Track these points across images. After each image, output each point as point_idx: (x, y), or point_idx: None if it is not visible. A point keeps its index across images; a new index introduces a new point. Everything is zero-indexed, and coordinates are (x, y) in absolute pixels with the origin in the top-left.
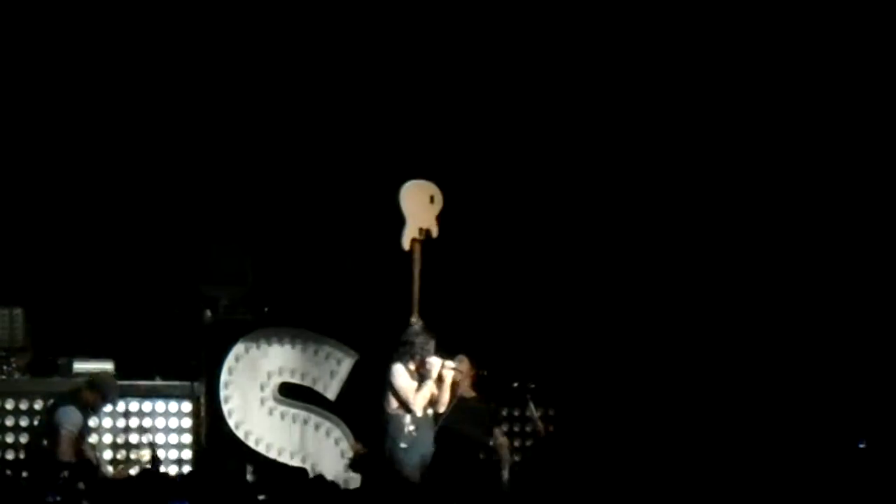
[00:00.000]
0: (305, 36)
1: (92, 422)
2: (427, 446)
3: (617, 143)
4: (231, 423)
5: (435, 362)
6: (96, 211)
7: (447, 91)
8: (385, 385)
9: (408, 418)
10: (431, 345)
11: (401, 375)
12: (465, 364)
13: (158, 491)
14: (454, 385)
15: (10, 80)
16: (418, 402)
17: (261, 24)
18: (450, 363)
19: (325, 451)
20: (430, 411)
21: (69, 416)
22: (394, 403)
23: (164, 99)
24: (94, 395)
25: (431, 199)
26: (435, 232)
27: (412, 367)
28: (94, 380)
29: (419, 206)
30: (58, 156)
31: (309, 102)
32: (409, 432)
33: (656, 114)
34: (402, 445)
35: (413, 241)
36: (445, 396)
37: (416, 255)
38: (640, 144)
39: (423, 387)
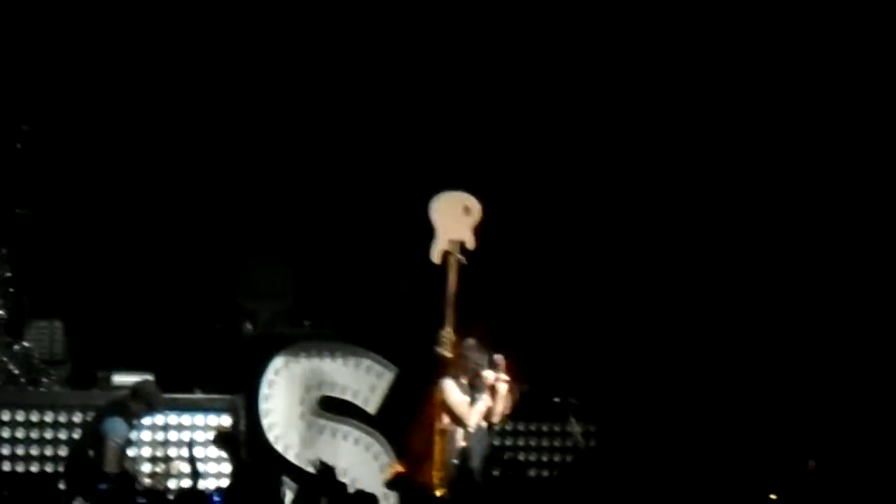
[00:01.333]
0: (346, 54)
1: (134, 434)
2: (478, 460)
3: (663, 164)
4: (270, 436)
5: (489, 375)
6: (138, 224)
7: (487, 106)
8: (436, 401)
9: (460, 433)
10: (485, 359)
11: (453, 390)
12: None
13: None
14: (508, 396)
15: (54, 95)
16: (473, 416)
17: (302, 46)
18: (504, 376)
19: (364, 465)
20: (483, 424)
21: (115, 428)
22: (445, 419)
23: (208, 114)
24: (139, 404)
25: (466, 211)
26: (470, 244)
27: (464, 381)
28: (137, 389)
29: (451, 217)
30: (99, 170)
31: (352, 118)
32: (461, 447)
33: (695, 136)
34: (455, 461)
35: (446, 253)
36: (500, 408)
37: (451, 268)
38: (685, 166)
39: (478, 401)
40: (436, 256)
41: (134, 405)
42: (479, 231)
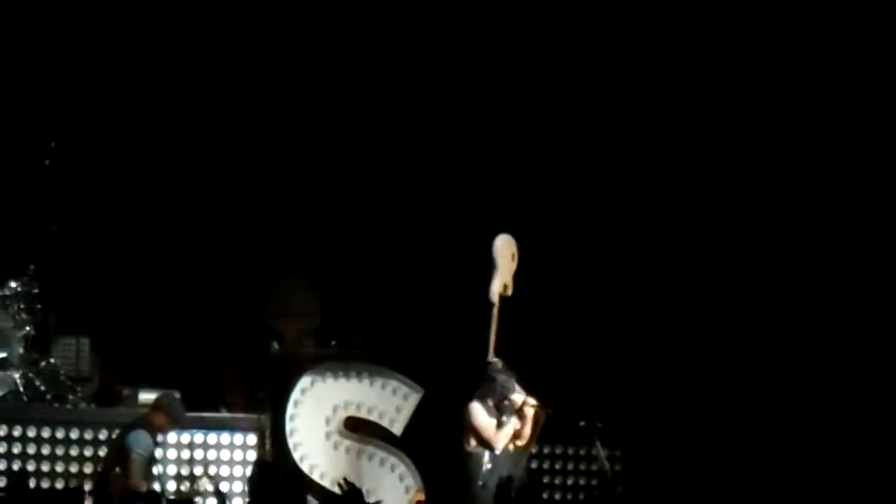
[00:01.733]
0: (376, 80)
1: (158, 451)
2: (504, 483)
3: (689, 192)
4: (296, 456)
5: (517, 398)
6: (167, 242)
7: (512, 127)
8: (463, 423)
9: (486, 456)
10: (513, 382)
11: (480, 413)
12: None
13: None
14: (536, 420)
15: (83, 113)
16: (500, 439)
17: (336, 76)
18: (531, 399)
19: (389, 486)
20: (510, 447)
21: (140, 441)
22: (473, 441)
23: (239, 135)
24: (162, 418)
25: (513, 257)
26: (511, 290)
27: (491, 403)
28: (159, 403)
29: (506, 260)
30: (128, 187)
31: (381, 142)
32: (487, 470)
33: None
34: (479, 483)
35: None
36: (527, 431)
37: (496, 310)
38: (713, 194)
39: (506, 424)
40: (495, 296)
41: (157, 419)
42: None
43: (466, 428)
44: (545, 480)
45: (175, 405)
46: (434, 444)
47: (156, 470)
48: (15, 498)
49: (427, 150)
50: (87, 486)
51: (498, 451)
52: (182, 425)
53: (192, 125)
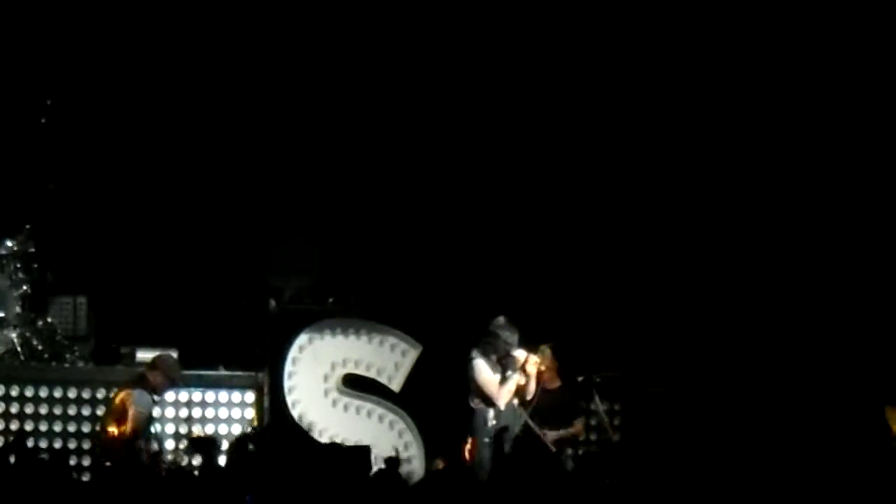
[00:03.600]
0: (368, 48)
1: (156, 409)
2: (510, 439)
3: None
4: (294, 413)
5: (520, 355)
6: (164, 201)
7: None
8: (467, 379)
9: (491, 412)
10: (516, 338)
11: (484, 369)
12: (547, 355)
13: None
14: (539, 376)
15: (80, 71)
16: (503, 395)
17: (327, 40)
18: (534, 357)
19: (388, 442)
20: (515, 402)
21: (138, 398)
22: (477, 397)
23: (236, 93)
24: (158, 376)
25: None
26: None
27: (494, 359)
28: (156, 361)
29: None
30: (125, 146)
31: (374, 103)
32: (492, 426)
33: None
34: (485, 440)
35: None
36: (532, 387)
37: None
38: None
39: (508, 380)
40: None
41: (154, 378)
42: None
43: (470, 384)
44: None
45: (172, 364)
46: (435, 400)
47: (154, 428)
48: (14, 457)
49: (419, 111)
50: (86, 445)
51: (502, 407)
52: (179, 384)
53: (190, 86)
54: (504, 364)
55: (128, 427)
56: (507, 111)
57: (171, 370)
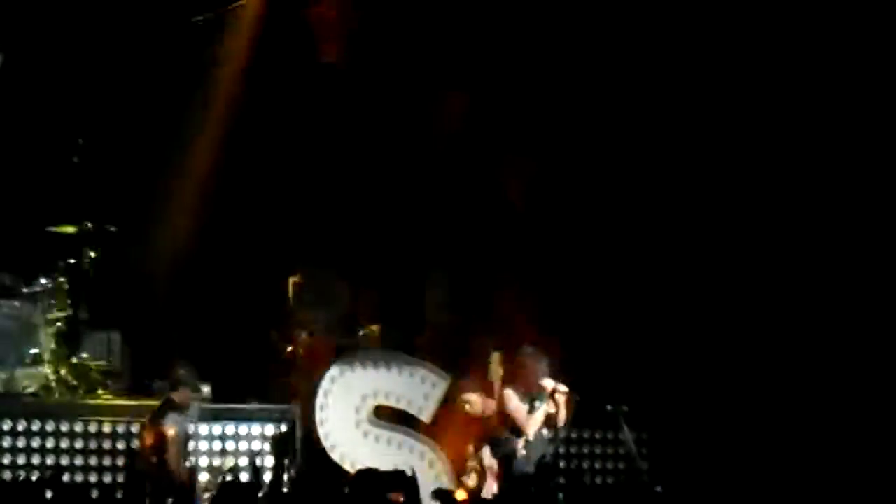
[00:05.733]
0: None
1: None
2: (535, 468)
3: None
4: (326, 445)
5: (548, 384)
6: (195, 236)
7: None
8: (496, 410)
9: (520, 442)
10: (543, 367)
11: (512, 399)
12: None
13: None
14: (568, 403)
15: (109, 107)
16: (531, 425)
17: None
18: (562, 387)
19: (420, 473)
20: (544, 432)
21: (172, 421)
22: (506, 428)
23: (267, 128)
24: (183, 392)
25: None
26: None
27: (522, 390)
28: (176, 379)
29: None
30: (156, 182)
31: (407, 142)
32: (522, 456)
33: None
34: (513, 468)
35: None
36: (563, 415)
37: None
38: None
39: (537, 410)
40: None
41: (179, 396)
42: None
43: (500, 414)
44: (574, 465)
45: (188, 376)
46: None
47: (190, 447)
48: (51, 492)
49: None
50: (120, 479)
51: (530, 437)
52: (202, 392)
53: (219, 120)
54: (532, 394)
55: (170, 453)
56: (537, 135)
57: (191, 381)
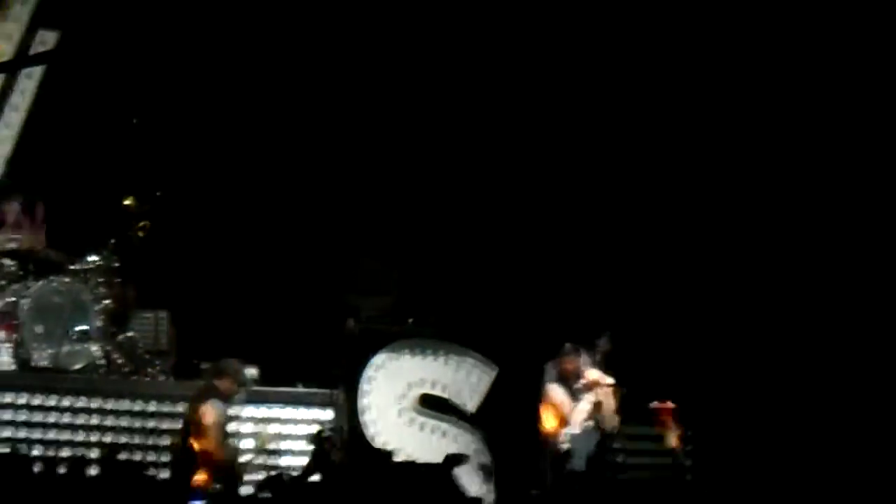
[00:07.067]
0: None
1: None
2: (582, 460)
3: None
4: (369, 432)
5: (592, 375)
6: (247, 217)
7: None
8: (540, 403)
9: (564, 435)
10: (585, 360)
11: (556, 392)
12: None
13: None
14: (615, 395)
15: (165, 87)
16: (576, 418)
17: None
18: (608, 378)
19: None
20: (590, 424)
21: (212, 408)
22: (550, 421)
23: (320, 112)
24: (227, 382)
25: None
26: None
27: (566, 384)
28: (219, 368)
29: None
30: (209, 162)
31: (455, 122)
32: (566, 450)
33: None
34: (557, 462)
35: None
36: (609, 405)
37: None
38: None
39: (582, 402)
40: None
41: (222, 385)
42: None
43: (545, 407)
44: (618, 460)
45: (234, 367)
46: (509, 423)
47: (230, 437)
48: (103, 470)
49: (504, 130)
50: (165, 459)
51: (575, 431)
52: (247, 387)
53: (274, 100)
54: (575, 388)
55: (210, 440)
56: (587, 138)
57: (238, 373)
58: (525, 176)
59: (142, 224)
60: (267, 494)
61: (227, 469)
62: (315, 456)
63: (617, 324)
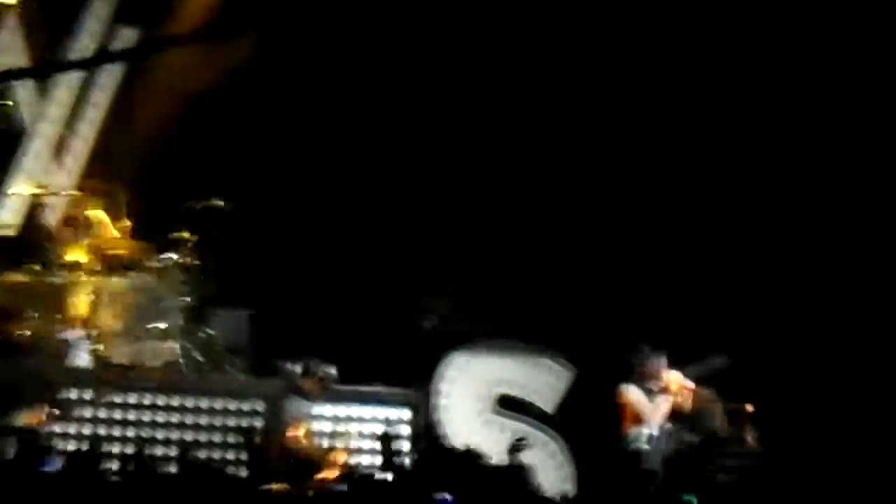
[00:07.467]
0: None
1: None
2: (659, 462)
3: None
4: (448, 432)
5: (668, 377)
6: (326, 217)
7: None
8: (618, 403)
9: (643, 436)
10: (662, 361)
11: (635, 393)
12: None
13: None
14: (694, 398)
15: (249, 86)
16: (655, 417)
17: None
18: (687, 381)
19: (540, 464)
20: (668, 425)
21: (295, 405)
22: (628, 421)
23: (398, 116)
24: (311, 382)
25: None
26: None
27: (644, 385)
28: (307, 367)
29: None
30: (290, 162)
31: (526, 129)
32: (645, 450)
33: None
34: (637, 462)
35: None
36: (687, 406)
37: None
38: None
39: (660, 402)
40: None
41: (307, 384)
42: None
43: (622, 407)
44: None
45: (324, 371)
46: (589, 423)
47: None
48: (177, 466)
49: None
50: (243, 457)
51: (654, 431)
52: (331, 390)
53: (352, 106)
54: (653, 389)
55: (293, 439)
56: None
57: (324, 373)
58: (603, 176)
59: (222, 231)
60: (343, 490)
61: (308, 467)
62: (384, 455)
63: (696, 327)
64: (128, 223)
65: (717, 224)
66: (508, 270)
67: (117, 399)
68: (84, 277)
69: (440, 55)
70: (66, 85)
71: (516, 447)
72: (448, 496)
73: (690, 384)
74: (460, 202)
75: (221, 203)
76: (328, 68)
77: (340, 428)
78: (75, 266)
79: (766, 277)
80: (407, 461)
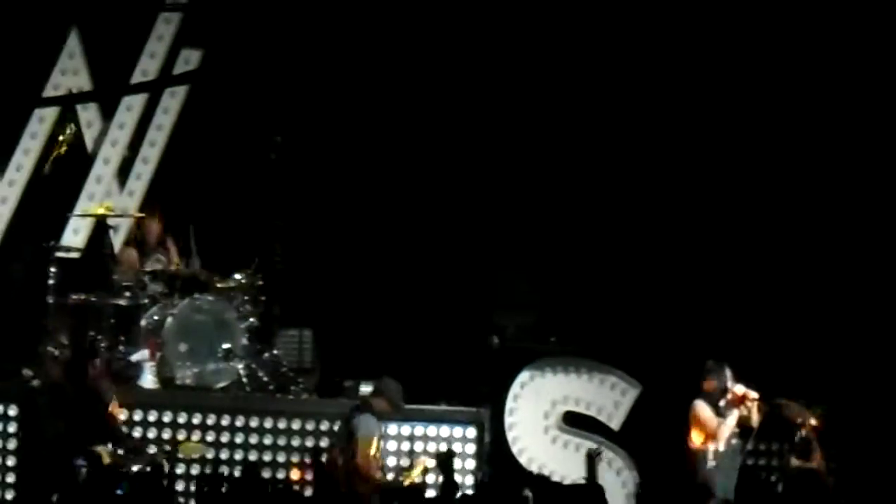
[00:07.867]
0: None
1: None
2: (730, 477)
3: None
4: (514, 449)
5: (738, 390)
6: (391, 236)
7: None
8: (688, 420)
9: (711, 453)
10: (729, 375)
11: (704, 409)
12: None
13: None
14: (760, 410)
15: (308, 107)
16: (723, 433)
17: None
18: (753, 393)
19: (607, 481)
20: (734, 441)
21: (364, 423)
22: (697, 438)
23: (463, 130)
24: (383, 403)
25: None
26: None
27: (712, 401)
28: (379, 387)
29: None
30: (353, 182)
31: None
32: (712, 467)
33: None
34: (704, 480)
35: None
36: (755, 419)
37: None
38: None
39: (729, 417)
40: None
41: (377, 404)
42: None
43: (690, 424)
44: (762, 476)
45: (395, 389)
46: (654, 441)
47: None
48: (246, 487)
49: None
50: (308, 475)
51: (721, 447)
52: (402, 411)
53: (414, 120)
54: (721, 404)
55: (358, 455)
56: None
57: (395, 396)
58: (673, 195)
59: (286, 251)
60: None
61: (377, 487)
62: (445, 474)
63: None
64: (192, 245)
65: (781, 239)
66: (574, 287)
67: (181, 420)
68: (148, 299)
69: (495, 71)
70: (128, 107)
71: (593, 455)
72: None
73: (754, 394)
74: (529, 221)
75: (283, 223)
76: (392, 86)
77: (405, 447)
78: (140, 287)
79: (826, 292)
80: (472, 479)
